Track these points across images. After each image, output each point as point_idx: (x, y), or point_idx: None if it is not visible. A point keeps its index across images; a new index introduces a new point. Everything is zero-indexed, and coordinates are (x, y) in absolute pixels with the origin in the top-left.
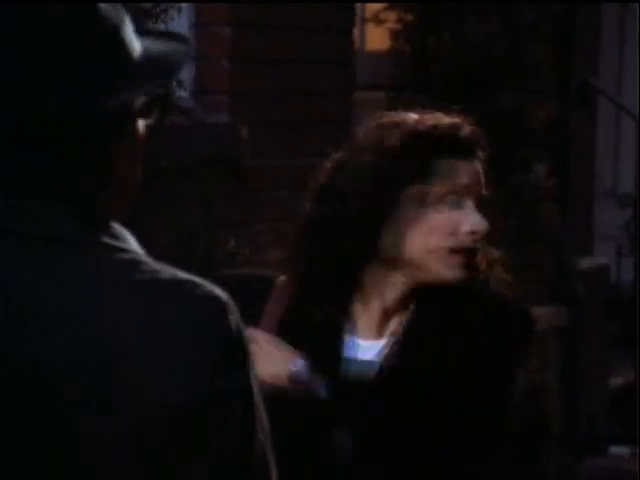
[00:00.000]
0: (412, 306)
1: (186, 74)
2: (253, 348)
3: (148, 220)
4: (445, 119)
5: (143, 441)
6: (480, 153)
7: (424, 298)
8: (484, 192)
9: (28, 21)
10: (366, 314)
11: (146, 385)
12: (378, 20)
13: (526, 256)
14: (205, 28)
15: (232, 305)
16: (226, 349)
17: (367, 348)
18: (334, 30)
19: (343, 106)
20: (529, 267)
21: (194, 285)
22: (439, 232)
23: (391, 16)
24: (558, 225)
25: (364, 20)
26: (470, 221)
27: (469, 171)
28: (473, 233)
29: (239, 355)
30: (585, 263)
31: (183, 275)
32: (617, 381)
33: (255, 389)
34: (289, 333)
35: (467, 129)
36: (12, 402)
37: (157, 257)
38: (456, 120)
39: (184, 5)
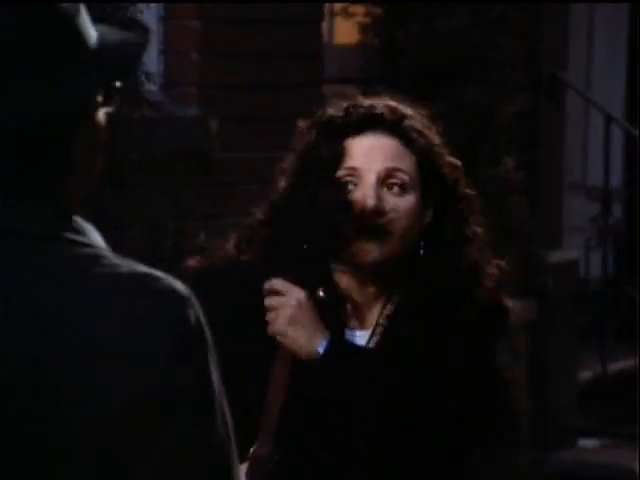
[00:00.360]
0: (394, 295)
1: (155, 67)
2: (278, 300)
3: (117, 212)
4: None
5: (130, 439)
6: (393, 126)
7: (406, 286)
8: (392, 165)
9: (28, 21)
10: (353, 303)
11: (132, 382)
12: (347, 14)
13: (495, 249)
14: (174, 21)
15: (192, 299)
16: (184, 343)
17: (359, 337)
18: (303, 23)
19: (312, 99)
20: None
21: (154, 279)
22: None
23: (360, 10)
24: (527, 218)
25: (333, 13)
26: (359, 198)
27: (364, 147)
28: (364, 210)
29: (198, 350)
30: (554, 257)
31: (143, 269)
32: (585, 374)
33: (215, 383)
34: None
35: (366, 107)
36: (12, 402)
37: (126, 249)
38: (358, 101)
39: None
